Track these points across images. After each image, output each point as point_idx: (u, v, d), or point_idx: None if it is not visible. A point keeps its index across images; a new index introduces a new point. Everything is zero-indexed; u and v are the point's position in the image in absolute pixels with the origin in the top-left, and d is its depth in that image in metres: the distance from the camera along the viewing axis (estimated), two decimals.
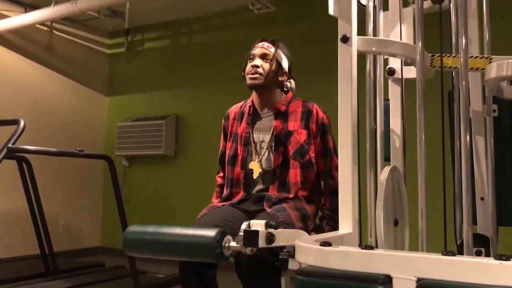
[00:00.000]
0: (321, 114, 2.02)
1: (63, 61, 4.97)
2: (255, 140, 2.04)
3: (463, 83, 1.21)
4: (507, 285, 0.80)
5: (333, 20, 1.30)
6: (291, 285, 1.38)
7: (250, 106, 2.10)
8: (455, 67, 1.40)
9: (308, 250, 1.06)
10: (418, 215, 1.21)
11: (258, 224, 1.15)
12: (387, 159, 1.52)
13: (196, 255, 1.19)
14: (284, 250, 1.25)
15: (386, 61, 1.58)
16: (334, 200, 1.94)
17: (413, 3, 1.59)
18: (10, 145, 2.41)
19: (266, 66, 2.01)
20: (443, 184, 1.26)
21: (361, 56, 1.32)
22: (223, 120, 2.19)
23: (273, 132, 2.01)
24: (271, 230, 1.16)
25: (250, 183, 2.01)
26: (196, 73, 4.78)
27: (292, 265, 1.22)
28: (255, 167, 2.01)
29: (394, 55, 1.49)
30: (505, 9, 3.11)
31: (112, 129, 5.12)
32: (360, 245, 1.07)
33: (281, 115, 2.03)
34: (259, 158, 2.01)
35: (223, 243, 1.11)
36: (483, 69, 1.37)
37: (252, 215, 1.90)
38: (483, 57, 1.39)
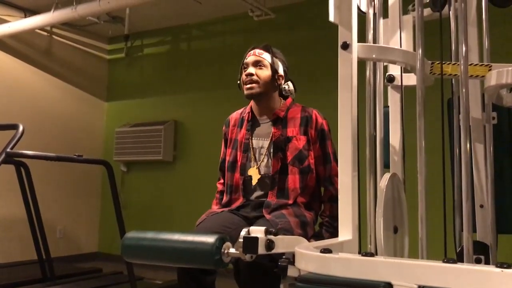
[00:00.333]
0: (320, 119, 2.02)
1: (63, 66, 4.97)
2: (254, 146, 2.04)
3: (463, 90, 1.21)
4: None
5: (333, 27, 1.30)
6: None
7: (249, 113, 2.10)
8: (455, 75, 1.40)
9: (308, 257, 1.06)
10: (418, 222, 1.21)
11: (257, 231, 1.14)
12: (386, 166, 1.52)
13: (195, 262, 1.19)
14: (284, 257, 1.24)
15: (385, 68, 1.58)
16: (334, 207, 1.94)
17: (413, 10, 1.60)
18: (8, 150, 2.41)
19: (261, 73, 2.01)
20: (443, 191, 1.25)
21: (361, 63, 1.33)
22: (223, 127, 2.19)
23: (271, 138, 2.01)
24: (271, 237, 1.15)
25: (249, 189, 2.01)
26: (195, 79, 4.78)
27: (291, 272, 1.21)
28: (254, 173, 2.00)
29: (394, 62, 1.49)
30: (506, 15, 3.14)
31: (111, 135, 5.11)
32: (360, 252, 1.06)
33: (280, 121, 2.03)
34: (258, 164, 2.01)
35: (222, 250, 1.10)
36: (482, 76, 1.37)
37: (251, 222, 1.90)
38: (482, 64, 1.39)
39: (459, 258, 1.31)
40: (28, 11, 4.54)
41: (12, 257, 4.24)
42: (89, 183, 5.11)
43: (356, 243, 1.24)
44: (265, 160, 2.00)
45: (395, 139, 1.58)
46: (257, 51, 2.04)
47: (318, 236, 1.93)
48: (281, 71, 2.06)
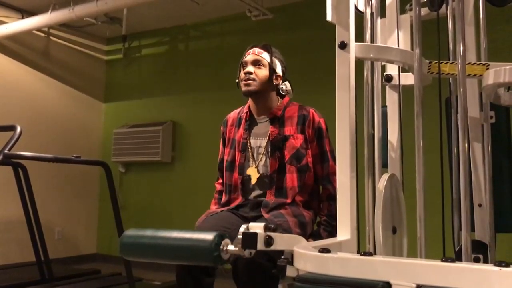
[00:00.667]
0: (317, 118, 2.02)
1: (60, 67, 4.96)
2: (252, 145, 2.04)
3: (461, 89, 1.22)
4: None
5: (330, 27, 1.30)
6: None
7: (246, 112, 2.10)
8: (453, 74, 1.40)
9: (306, 256, 1.06)
10: (417, 221, 1.21)
11: (257, 227, 1.14)
12: (384, 165, 1.52)
13: (194, 259, 1.18)
14: (282, 257, 1.24)
15: (383, 68, 1.58)
16: (332, 206, 1.94)
17: (411, 10, 1.60)
18: (6, 151, 2.40)
19: (259, 72, 2.01)
20: (441, 190, 1.25)
21: (359, 63, 1.33)
22: (221, 127, 2.19)
23: (269, 137, 2.01)
24: (270, 233, 1.15)
25: (248, 189, 2.01)
26: (193, 80, 4.78)
27: (290, 272, 1.21)
28: (253, 173, 2.00)
29: (392, 62, 1.49)
30: (506, 14, 3.14)
31: (109, 135, 5.10)
32: (358, 252, 1.06)
33: (277, 120, 2.03)
34: (256, 163, 2.01)
35: (221, 247, 1.10)
36: (480, 75, 1.38)
37: (250, 221, 1.89)
38: (480, 63, 1.40)
39: (458, 257, 1.31)
40: (25, 12, 4.52)
41: (10, 259, 4.22)
42: (87, 184, 5.10)
43: (354, 243, 1.24)
44: (264, 159, 2.00)
45: (393, 138, 1.58)
46: (256, 50, 2.05)
47: (315, 235, 1.93)
48: (279, 70, 2.06)
